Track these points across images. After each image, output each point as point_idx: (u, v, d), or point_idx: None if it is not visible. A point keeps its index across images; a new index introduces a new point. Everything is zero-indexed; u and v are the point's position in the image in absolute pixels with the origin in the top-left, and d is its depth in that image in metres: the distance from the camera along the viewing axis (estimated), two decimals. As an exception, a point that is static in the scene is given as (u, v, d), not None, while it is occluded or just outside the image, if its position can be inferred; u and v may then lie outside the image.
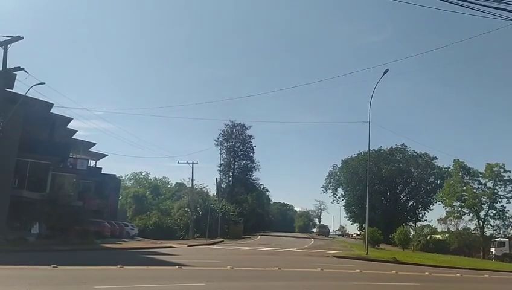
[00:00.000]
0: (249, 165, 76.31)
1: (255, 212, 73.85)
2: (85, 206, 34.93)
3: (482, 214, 54.84)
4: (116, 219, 42.75)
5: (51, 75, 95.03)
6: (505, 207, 54.27)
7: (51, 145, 30.94)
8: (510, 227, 55.14)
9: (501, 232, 54.33)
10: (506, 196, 54.08)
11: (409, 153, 73.74)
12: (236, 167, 75.63)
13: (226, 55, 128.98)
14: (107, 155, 47.97)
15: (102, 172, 45.46)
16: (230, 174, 74.75)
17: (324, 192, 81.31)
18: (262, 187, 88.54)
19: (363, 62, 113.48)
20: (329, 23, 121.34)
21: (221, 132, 73.11)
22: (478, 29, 68.02)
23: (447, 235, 56.36)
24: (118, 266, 13.68)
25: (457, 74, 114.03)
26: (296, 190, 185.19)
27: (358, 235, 76.35)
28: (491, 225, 54.97)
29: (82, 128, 51.17)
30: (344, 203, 78.40)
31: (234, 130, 73.65)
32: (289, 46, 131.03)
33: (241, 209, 61.92)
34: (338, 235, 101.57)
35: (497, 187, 54.43)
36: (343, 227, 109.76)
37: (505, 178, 53.79)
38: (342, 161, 76.90)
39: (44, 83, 27.33)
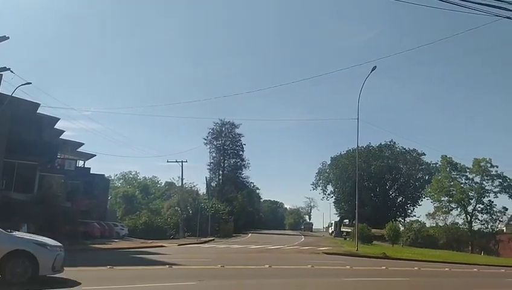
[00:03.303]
0: (238, 164, 76.35)
1: (246, 210, 73.89)
2: (74, 207, 34.67)
3: (469, 208, 55.51)
4: (106, 219, 42.50)
5: (37, 76, 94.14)
6: (492, 202, 54.98)
7: (38, 145, 30.65)
8: (498, 221, 55.87)
9: (489, 226, 55.02)
10: (494, 190, 54.80)
11: (398, 150, 74.35)
12: (226, 165, 75.60)
13: (214, 55, 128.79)
14: (95, 155, 47.69)
15: (90, 172, 45.14)
16: (220, 172, 74.70)
17: (314, 189, 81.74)
18: (252, 185, 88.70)
19: (352, 60, 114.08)
20: (318, 21, 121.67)
21: (210, 130, 73.03)
22: (464, 26, 69.21)
23: (435, 229, 56.95)
24: (108, 267, 13.60)
25: (444, 71, 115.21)
26: (286, 187, 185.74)
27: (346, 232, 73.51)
28: (479, 220, 55.66)
29: (70, 129, 51.17)
30: (334, 200, 78.89)
31: (223, 129, 73.61)
32: (278, 44, 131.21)
33: (232, 208, 61.94)
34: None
35: (484, 182, 55.07)
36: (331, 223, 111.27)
37: (492, 173, 54.44)
38: (331, 158, 77.38)
39: (31, 83, 27.10)
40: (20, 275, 9.72)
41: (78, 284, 10.15)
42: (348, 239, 53.01)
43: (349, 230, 59.48)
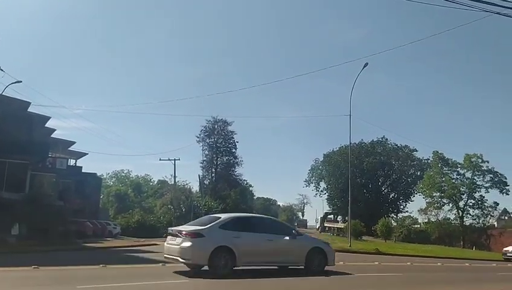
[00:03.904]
0: (231, 161, 76.03)
1: (239, 208, 73.38)
2: (66, 206, 34.44)
3: (461, 204, 55.92)
4: (98, 218, 42.30)
5: (28, 74, 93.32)
6: (483, 197, 55.40)
7: (29, 144, 30.39)
8: (489, 216, 56.32)
9: (480, 221, 55.44)
10: (485, 185, 55.20)
11: (390, 146, 74.58)
12: (219, 163, 75.29)
13: (207, 52, 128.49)
14: (87, 154, 47.43)
15: (82, 171, 44.88)
16: (213, 170, 74.40)
17: (307, 186, 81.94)
18: (245, 183, 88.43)
19: (345, 57, 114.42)
20: (311, 19, 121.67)
21: (202, 128, 72.64)
22: (456, 22, 69.85)
23: (427, 225, 57.30)
24: (101, 265, 13.52)
25: (436, 67, 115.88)
26: (279, 184, 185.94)
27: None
28: (470, 215, 56.10)
29: (61, 128, 51.00)
30: (327, 197, 79.03)
31: (216, 126, 73.24)
32: (271, 42, 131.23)
33: (225, 205, 61.76)
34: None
35: (475, 177, 55.46)
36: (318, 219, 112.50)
37: (483, 168, 54.82)
38: (324, 154, 77.44)
39: (21, 82, 26.96)
40: (317, 266, 13.45)
41: (351, 273, 14.17)
42: (330, 234, 54.81)
43: (333, 225, 61.99)
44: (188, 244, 11.72)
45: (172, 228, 13.08)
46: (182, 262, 12.02)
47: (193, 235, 11.89)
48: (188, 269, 12.55)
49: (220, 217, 12.86)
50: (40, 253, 19.29)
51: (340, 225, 61.72)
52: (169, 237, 12.83)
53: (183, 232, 12.04)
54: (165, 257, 12.83)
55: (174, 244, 12.13)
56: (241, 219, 13.71)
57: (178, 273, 12.10)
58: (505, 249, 30.52)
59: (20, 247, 21.30)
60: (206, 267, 12.07)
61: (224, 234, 12.15)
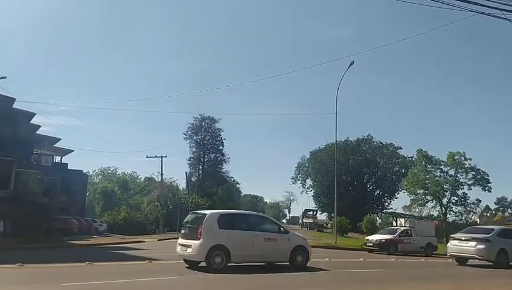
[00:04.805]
0: (218, 158, 75.92)
1: (226, 205, 73.46)
2: (51, 203, 34.21)
3: (444, 201, 56.57)
4: (84, 215, 42.06)
5: (13, 70, 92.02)
6: (466, 194, 56.11)
7: (14, 141, 30.12)
8: (471, 213, 57.20)
9: (463, 218, 56.26)
10: (467, 183, 55.97)
11: (375, 144, 75.11)
12: (206, 160, 75.14)
13: (194, 49, 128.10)
14: (73, 151, 47.05)
15: (68, 168, 44.51)
16: (200, 167, 74.26)
17: (293, 183, 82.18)
18: (232, 180, 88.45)
19: (331, 55, 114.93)
20: (297, 17, 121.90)
21: (190, 125, 72.44)
22: (440, 21, 70.60)
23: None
24: (86, 263, 13.48)
25: (419, 65, 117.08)
26: (266, 181, 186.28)
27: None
28: (453, 211, 56.84)
29: (47, 124, 50.56)
30: (313, 194, 79.33)
31: (203, 123, 73.06)
32: (258, 40, 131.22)
33: (212, 202, 61.74)
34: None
35: (458, 175, 56.17)
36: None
37: (465, 166, 55.55)
38: (310, 152, 77.75)
39: (6, 77, 26.66)
40: None
41: None
42: (305, 229, 57.17)
43: (307, 221, 65.93)
44: (483, 246, 17.75)
45: (464, 235, 18.91)
46: (478, 259, 18.13)
47: (485, 240, 17.85)
48: (182, 266, 12.60)
49: (494, 229, 19.19)
50: (25, 250, 19.19)
51: (310, 220, 67.81)
52: (456, 241, 18.88)
53: (479, 238, 17.92)
54: (450, 255, 19.38)
55: (468, 246, 18.13)
56: (505, 231, 19.52)
57: (164, 270, 12.17)
58: (367, 237, 30.17)
59: (4, 244, 21.13)
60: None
61: (502, 240, 18.09)
